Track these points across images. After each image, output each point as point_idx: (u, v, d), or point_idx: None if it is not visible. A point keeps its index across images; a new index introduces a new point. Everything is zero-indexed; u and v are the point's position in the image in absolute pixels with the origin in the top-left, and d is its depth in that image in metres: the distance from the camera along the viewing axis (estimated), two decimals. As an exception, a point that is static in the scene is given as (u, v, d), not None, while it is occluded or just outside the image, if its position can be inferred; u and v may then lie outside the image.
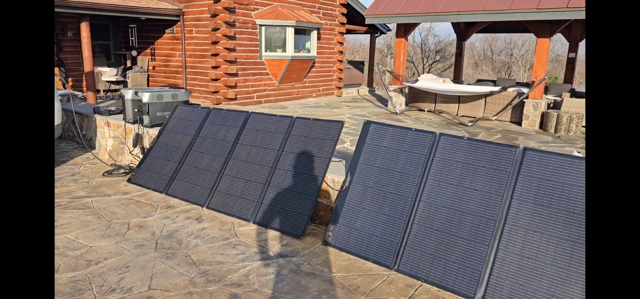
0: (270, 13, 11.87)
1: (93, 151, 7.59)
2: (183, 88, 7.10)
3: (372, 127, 4.59)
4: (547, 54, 9.38)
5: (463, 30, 14.12)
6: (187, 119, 6.09)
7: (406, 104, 11.79)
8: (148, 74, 13.36)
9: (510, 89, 10.00)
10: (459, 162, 3.99)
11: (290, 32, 12.02)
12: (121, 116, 7.48)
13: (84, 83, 12.70)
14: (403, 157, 4.27)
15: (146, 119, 6.50)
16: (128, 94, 6.57)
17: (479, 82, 12.23)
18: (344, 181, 4.48)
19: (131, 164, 6.71)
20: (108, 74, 13.25)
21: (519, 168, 3.72)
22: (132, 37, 13.05)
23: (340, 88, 14.87)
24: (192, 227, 4.62)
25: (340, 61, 14.78)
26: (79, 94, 10.35)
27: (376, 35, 17.87)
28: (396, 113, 11.01)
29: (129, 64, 13.90)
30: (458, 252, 3.62)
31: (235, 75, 11.37)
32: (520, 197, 3.60)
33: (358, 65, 17.99)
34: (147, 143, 6.61)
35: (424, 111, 11.37)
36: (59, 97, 6.12)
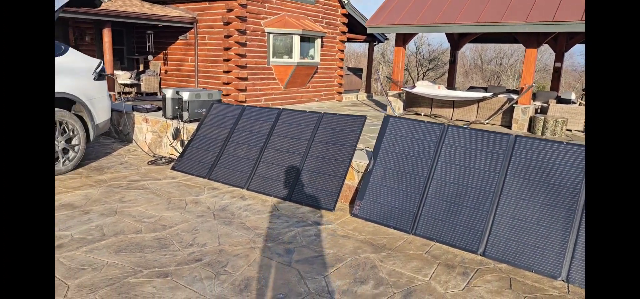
0: (278, 22, 12.79)
1: (131, 145, 8.42)
2: (217, 89, 7.96)
3: (391, 120, 5.52)
4: (534, 63, 10.41)
5: (457, 41, 15.12)
6: (223, 115, 6.98)
7: (404, 109, 12.69)
8: (160, 78, 14.19)
9: (500, 95, 11.00)
10: (463, 147, 4.93)
11: (296, 39, 12.95)
12: (157, 113, 8.32)
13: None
14: (417, 144, 5.20)
15: (185, 115, 7.37)
16: (169, 93, 7.44)
17: (471, 89, 13.18)
18: (368, 164, 5.40)
19: (171, 155, 7.57)
20: (123, 77, 14.06)
21: (511, 151, 4.68)
22: (149, 42, 13.88)
23: (340, 93, 15.83)
24: (238, 203, 5.50)
25: (341, 68, 15.75)
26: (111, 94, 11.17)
27: (374, 44, 18.86)
28: (395, 117, 11.93)
29: (141, 68, 14.72)
30: (463, 217, 4.56)
31: (246, 79, 12.26)
32: (512, 173, 4.55)
33: (357, 72, 18.97)
34: (185, 137, 7.47)
35: (420, 115, 12.29)
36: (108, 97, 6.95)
